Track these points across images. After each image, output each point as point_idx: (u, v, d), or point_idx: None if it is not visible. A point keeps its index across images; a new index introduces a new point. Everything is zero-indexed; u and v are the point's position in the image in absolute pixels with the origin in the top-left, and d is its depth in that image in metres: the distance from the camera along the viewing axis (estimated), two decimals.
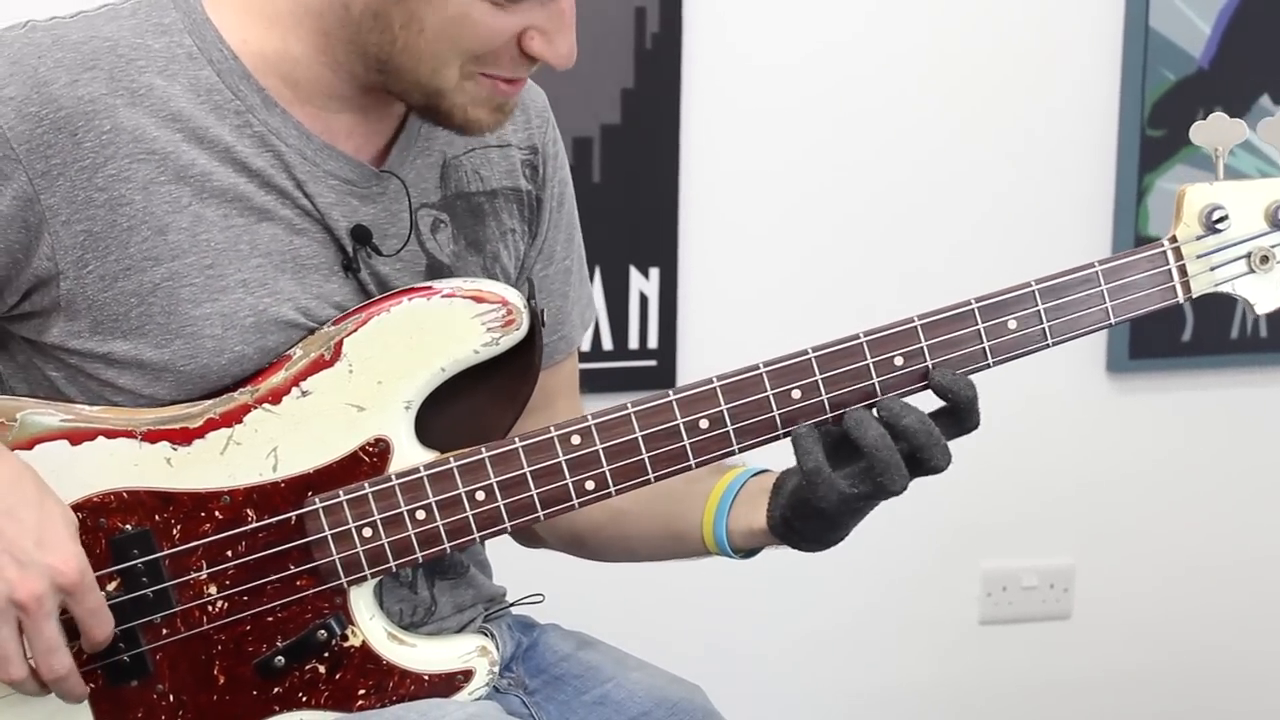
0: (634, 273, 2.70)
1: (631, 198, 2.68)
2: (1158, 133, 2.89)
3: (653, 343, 2.72)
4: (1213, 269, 1.54)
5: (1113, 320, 1.53)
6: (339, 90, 1.51)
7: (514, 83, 1.49)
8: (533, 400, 1.60)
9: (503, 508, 1.48)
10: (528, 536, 1.79)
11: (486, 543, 1.68)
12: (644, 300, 2.71)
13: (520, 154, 1.67)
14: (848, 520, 1.54)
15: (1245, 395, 3.04)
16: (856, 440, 1.46)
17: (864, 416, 1.47)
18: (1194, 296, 1.54)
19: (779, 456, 1.56)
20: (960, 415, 1.49)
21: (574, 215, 1.76)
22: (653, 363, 2.72)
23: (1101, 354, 2.95)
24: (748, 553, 1.64)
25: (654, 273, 2.71)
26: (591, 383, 2.68)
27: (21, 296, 1.46)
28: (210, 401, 1.47)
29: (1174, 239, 1.53)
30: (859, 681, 2.97)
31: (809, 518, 1.53)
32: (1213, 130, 1.55)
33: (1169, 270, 1.53)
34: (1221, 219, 1.52)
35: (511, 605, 1.74)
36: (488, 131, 1.52)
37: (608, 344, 2.69)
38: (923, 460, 1.47)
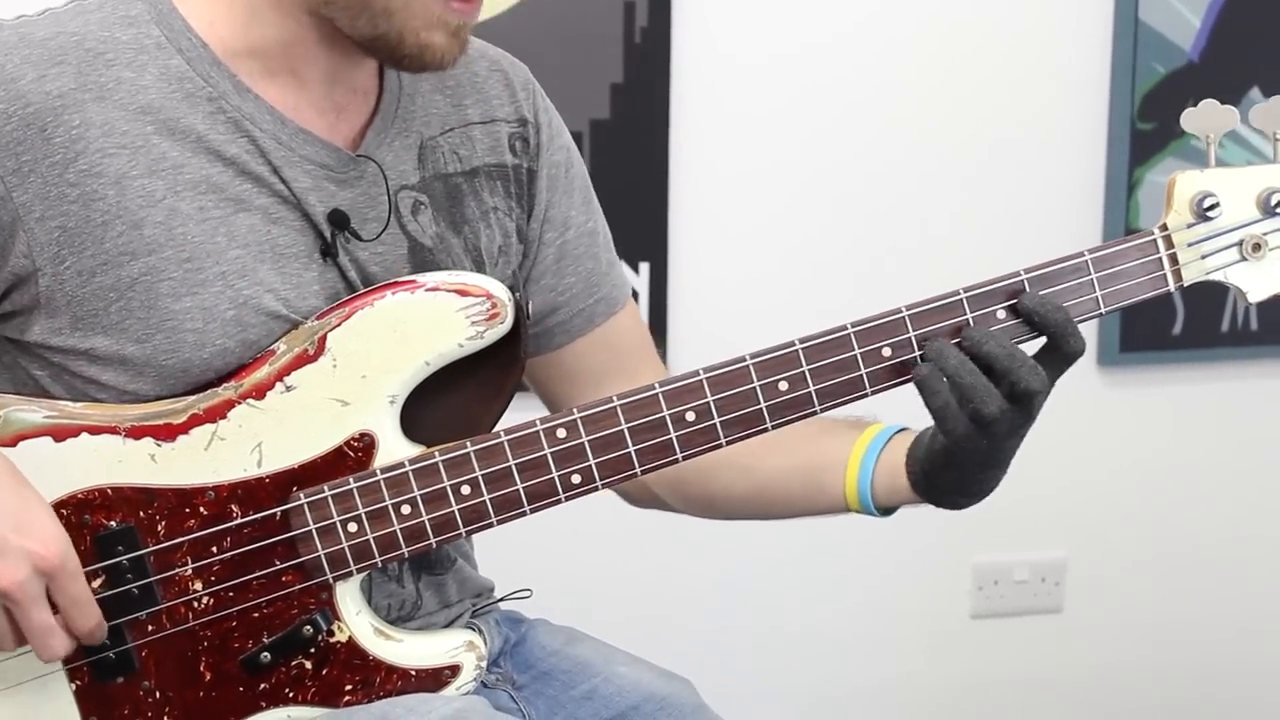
0: (624, 268, 2.69)
1: (621, 192, 2.67)
2: (1148, 126, 2.89)
3: None
4: (1204, 257, 1.53)
5: (1103, 309, 1.52)
6: (303, 49, 1.50)
7: (467, 1, 1.47)
8: (600, 364, 1.66)
9: (488, 502, 1.47)
10: (645, 496, 1.78)
11: (474, 537, 1.68)
12: (634, 295, 2.70)
13: (508, 128, 1.66)
14: (980, 465, 1.52)
15: (1236, 388, 3.04)
16: (941, 369, 1.46)
17: (942, 346, 1.47)
18: (1185, 285, 1.53)
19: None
20: (1056, 342, 1.48)
21: (586, 179, 1.75)
22: None
23: (1092, 347, 2.94)
24: (887, 510, 1.64)
25: (644, 267, 2.71)
26: None
27: (1, 296, 1.46)
28: (194, 397, 1.46)
29: (1164, 227, 1.53)
30: (850, 675, 2.97)
31: (943, 466, 1.53)
32: (1204, 117, 1.54)
33: (1159, 259, 1.52)
34: (1212, 206, 1.51)
35: (499, 600, 1.74)
36: (446, 61, 1.48)
37: None
38: (1013, 384, 1.45)
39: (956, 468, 1.53)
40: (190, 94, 1.47)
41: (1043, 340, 1.49)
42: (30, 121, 1.42)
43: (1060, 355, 1.49)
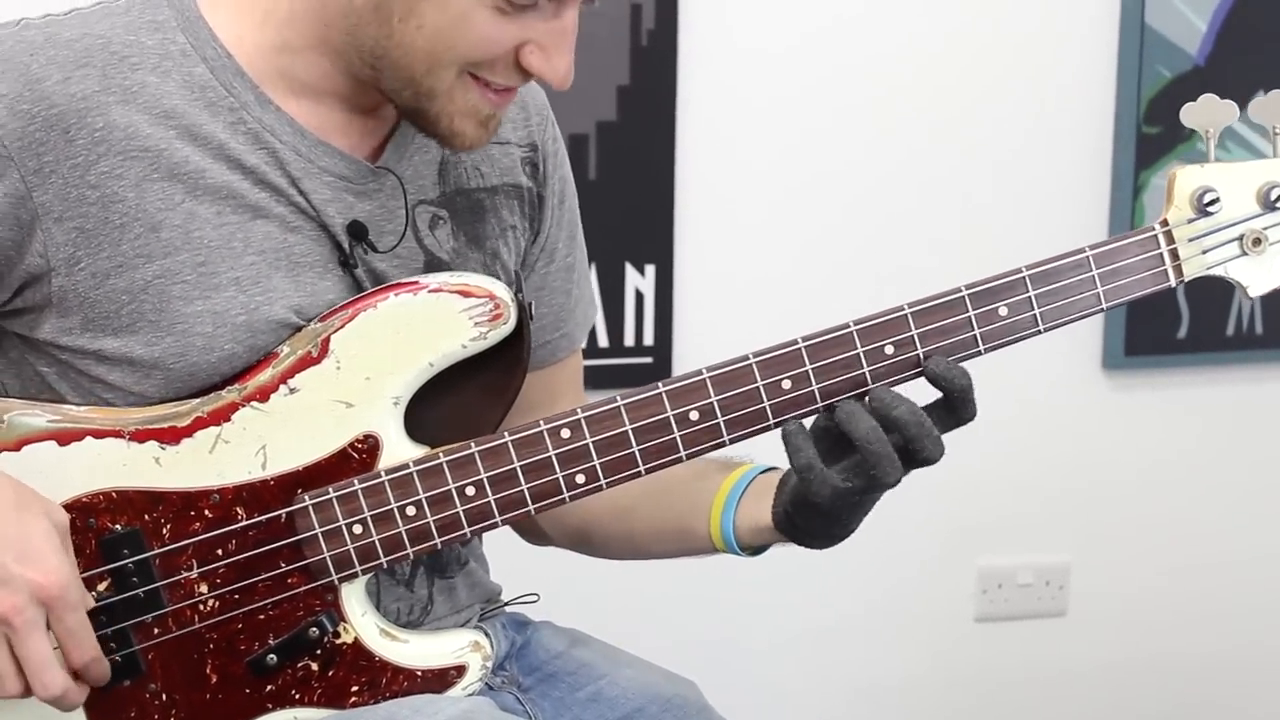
0: (630, 270, 2.70)
1: (627, 195, 2.68)
2: (1154, 130, 2.89)
3: (648, 340, 2.72)
4: (1204, 252, 1.53)
5: (1104, 305, 1.51)
6: (335, 84, 1.50)
7: (504, 93, 1.48)
8: (536, 397, 1.60)
9: (493, 502, 1.48)
10: (535, 534, 1.79)
11: (483, 539, 1.68)
12: (640, 297, 2.71)
13: (520, 151, 1.67)
14: (848, 515, 1.52)
15: (1241, 392, 3.04)
16: (849, 433, 1.46)
17: (855, 409, 1.46)
18: (1186, 280, 1.53)
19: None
20: (954, 405, 1.48)
21: (576, 213, 1.76)
22: (648, 359, 2.72)
23: (1097, 351, 2.95)
24: (755, 550, 1.63)
25: (650, 270, 2.71)
26: (587, 380, 2.68)
27: (13, 293, 1.46)
28: (198, 400, 1.46)
29: (1165, 222, 1.52)
30: (854, 678, 2.97)
31: (809, 514, 1.52)
32: (1204, 112, 1.54)
33: (1160, 254, 1.52)
34: (1213, 201, 1.51)
35: (506, 604, 1.74)
36: (471, 147, 1.51)
37: (603, 341, 2.69)
38: (915, 451, 1.46)
39: (822, 516, 1.52)
40: (212, 103, 1.48)
41: (938, 397, 1.49)
42: (54, 123, 1.42)
43: (954, 419, 1.49)
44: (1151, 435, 3.02)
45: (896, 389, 1.49)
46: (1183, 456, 3.04)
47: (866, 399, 1.47)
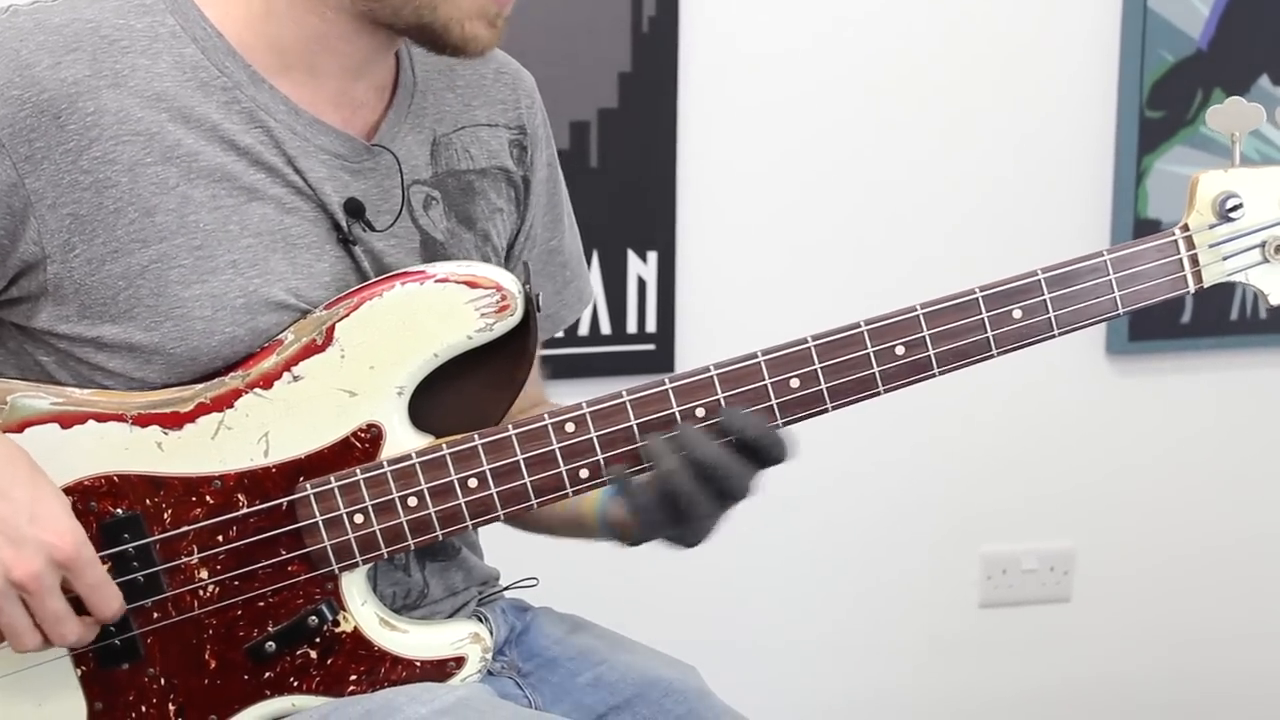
0: (632, 257, 2.69)
1: (629, 182, 2.67)
2: (1157, 114, 2.88)
3: (651, 327, 2.71)
4: (1225, 259, 1.52)
5: (1120, 310, 1.51)
6: (328, 42, 1.50)
7: None
8: None
9: (495, 495, 1.47)
10: None
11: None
12: (642, 284, 2.70)
13: (508, 134, 1.67)
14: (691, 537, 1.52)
15: (1244, 377, 3.04)
16: (655, 470, 1.46)
17: (658, 447, 1.46)
18: (1205, 287, 1.52)
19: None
20: (754, 451, 1.47)
21: (563, 197, 1.76)
22: (650, 347, 2.71)
23: (1101, 336, 2.95)
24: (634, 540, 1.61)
25: (652, 257, 2.71)
26: (589, 367, 2.68)
27: (9, 282, 1.46)
28: (201, 385, 1.46)
29: (1185, 228, 1.52)
30: (859, 664, 2.97)
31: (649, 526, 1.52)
32: (1230, 115, 1.52)
33: (1180, 260, 1.52)
34: (1235, 207, 1.50)
35: (505, 589, 1.74)
36: (486, 50, 1.49)
37: (605, 328, 2.69)
38: (725, 491, 1.46)
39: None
40: (204, 83, 1.47)
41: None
42: (45, 108, 1.42)
43: (759, 462, 1.48)
44: (1155, 420, 3.02)
45: (916, 384, 1.49)
46: (1186, 441, 3.04)
47: (672, 434, 1.46)
